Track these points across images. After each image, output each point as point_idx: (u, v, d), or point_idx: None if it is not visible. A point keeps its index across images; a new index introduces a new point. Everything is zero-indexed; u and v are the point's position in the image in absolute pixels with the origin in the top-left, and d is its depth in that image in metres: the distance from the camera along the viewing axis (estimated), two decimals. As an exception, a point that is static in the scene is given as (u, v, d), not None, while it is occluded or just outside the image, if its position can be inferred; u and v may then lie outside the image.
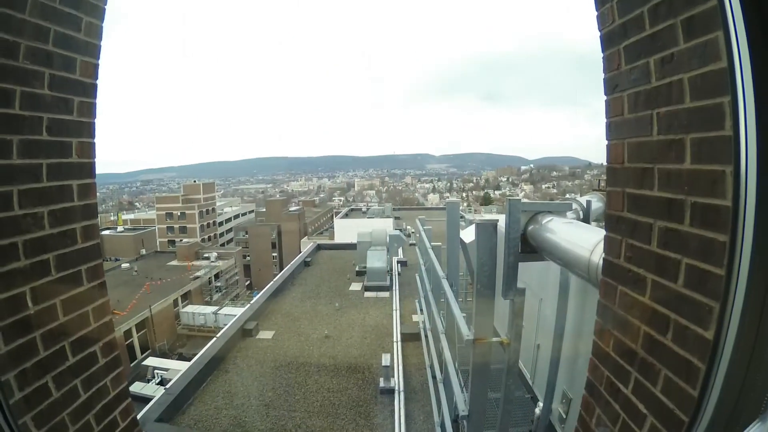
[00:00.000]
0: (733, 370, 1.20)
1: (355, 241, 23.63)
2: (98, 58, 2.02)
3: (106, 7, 2.02)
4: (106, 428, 2.08)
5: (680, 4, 1.33)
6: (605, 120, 1.76)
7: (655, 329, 1.46)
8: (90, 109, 2.01)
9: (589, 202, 4.85)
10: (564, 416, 5.04)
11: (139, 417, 9.08)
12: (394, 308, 15.80)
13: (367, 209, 59.67)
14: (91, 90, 2.01)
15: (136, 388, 26.06)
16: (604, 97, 1.75)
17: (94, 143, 2.05)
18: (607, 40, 1.71)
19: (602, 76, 1.75)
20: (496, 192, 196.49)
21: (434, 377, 8.45)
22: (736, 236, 1.18)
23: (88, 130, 2.01)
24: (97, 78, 2.03)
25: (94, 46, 1.99)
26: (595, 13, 1.76)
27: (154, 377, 29.64)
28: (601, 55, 1.74)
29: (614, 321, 1.70)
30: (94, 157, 2.06)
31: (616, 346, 1.68)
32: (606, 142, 1.77)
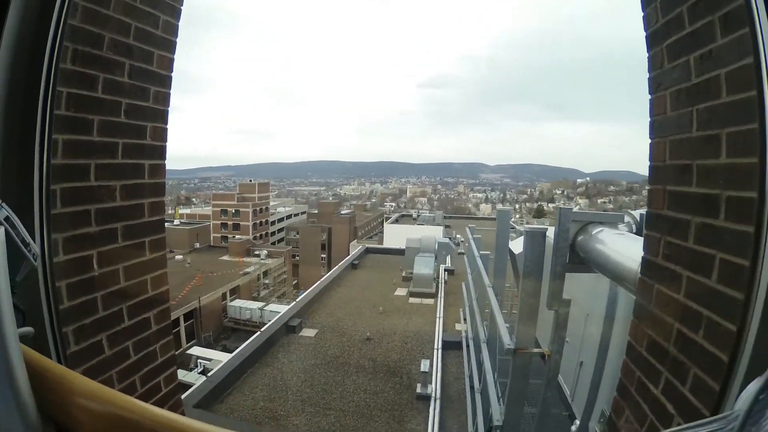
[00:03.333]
0: (755, 365, 1.19)
1: (403, 246, 23.69)
2: (173, 53, 2.19)
3: (182, 8, 2.20)
4: (149, 391, 2.19)
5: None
6: (649, 119, 1.79)
7: (687, 327, 1.46)
8: (164, 98, 2.18)
9: (642, 216, 4.64)
10: (600, 435, 4.85)
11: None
12: (438, 315, 15.72)
13: (418, 216, 59.66)
14: (166, 81, 2.17)
15: (179, 375, 26.81)
16: (649, 96, 1.78)
17: (167, 129, 2.21)
18: (652, 40, 1.73)
19: (647, 75, 1.78)
20: (550, 205, 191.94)
21: (472, 387, 8.33)
22: (761, 227, 1.19)
23: (162, 116, 2.17)
24: (171, 71, 2.20)
25: (170, 42, 2.16)
26: (641, 14, 1.80)
27: (197, 366, 30.32)
28: (647, 54, 1.77)
29: (649, 320, 1.70)
30: (166, 141, 2.22)
31: (650, 345, 1.67)
32: (649, 141, 1.80)
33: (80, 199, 1.76)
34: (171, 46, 2.16)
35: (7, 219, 0.90)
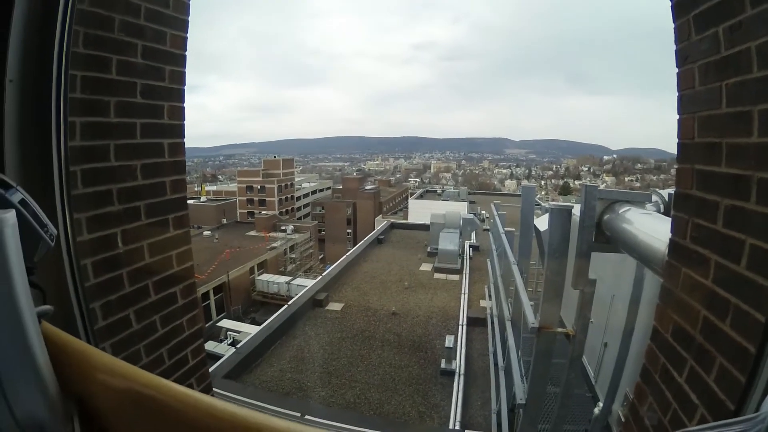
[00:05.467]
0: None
1: (428, 222, 23.66)
2: (186, 32, 2.19)
3: None
4: (176, 363, 2.26)
5: None
6: (677, 93, 1.67)
7: (714, 314, 1.38)
8: (180, 77, 2.18)
9: (671, 195, 4.54)
10: (623, 419, 4.83)
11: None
12: (463, 291, 15.74)
13: (442, 191, 59.29)
14: (180, 60, 2.17)
15: (209, 346, 27.15)
16: (676, 69, 1.66)
17: (184, 107, 2.23)
18: (678, 10, 1.61)
19: (674, 47, 1.66)
20: (576, 182, 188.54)
21: (496, 364, 8.37)
22: None
23: (178, 95, 2.19)
24: (185, 49, 2.19)
25: (182, 20, 2.16)
26: None
27: (226, 338, 30.93)
28: (673, 25, 1.65)
29: (675, 305, 1.62)
30: (184, 119, 2.24)
31: (675, 331, 1.61)
32: (677, 117, 1.69)
33: (101, 179, 1.81)
34: (183, 25, 2.16)
35: (21, 201, 0.93)
